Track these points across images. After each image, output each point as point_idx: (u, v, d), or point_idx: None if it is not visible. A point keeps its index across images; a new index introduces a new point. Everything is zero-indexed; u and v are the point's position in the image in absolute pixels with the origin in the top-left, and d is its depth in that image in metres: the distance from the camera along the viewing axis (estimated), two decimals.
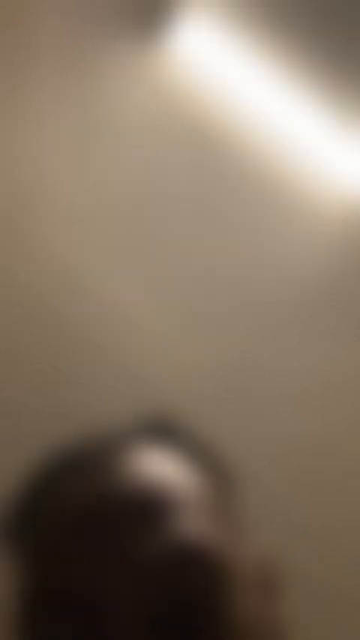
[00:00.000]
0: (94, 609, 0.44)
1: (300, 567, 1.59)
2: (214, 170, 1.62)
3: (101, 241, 1.62)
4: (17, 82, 1.55)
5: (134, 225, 1.62)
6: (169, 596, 0.44)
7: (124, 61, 1.57)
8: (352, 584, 1.66)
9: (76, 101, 1.59)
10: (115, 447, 0.52)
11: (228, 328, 1.64)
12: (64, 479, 0.51)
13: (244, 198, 1.63)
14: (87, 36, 1.57)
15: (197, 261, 1.63)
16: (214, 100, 1.60)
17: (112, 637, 0.43)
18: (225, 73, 1.57)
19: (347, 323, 1.67)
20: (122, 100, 1.59)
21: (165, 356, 1.63)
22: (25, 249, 1.60)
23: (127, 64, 1.58)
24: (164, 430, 0.56)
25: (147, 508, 0.47)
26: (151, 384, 1.63)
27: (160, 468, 0.50)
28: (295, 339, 1.65)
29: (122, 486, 0.48)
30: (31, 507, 0.52)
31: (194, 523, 0.47)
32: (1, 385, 1.60)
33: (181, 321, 1.63)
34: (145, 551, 0.45)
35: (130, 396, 1.62)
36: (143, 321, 1.62)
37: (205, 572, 0.45)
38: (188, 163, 1.61)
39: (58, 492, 0.51)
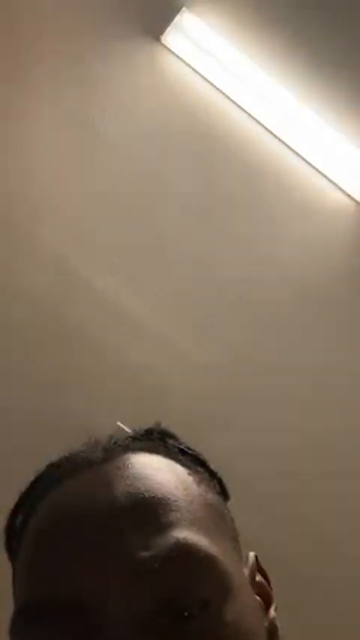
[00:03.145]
0: (92, 612, 0.44)
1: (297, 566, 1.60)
2: (215, 169, 1.62)
3: (101, 242, 1.63)
4: (18, 86, 1.55)
5: (134, 225, 1.63)
6: (165, 597, 0.44)
7: (125, 60, 1.58)
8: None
9: (76, 102, 1.59)
10: (114, 451, 0.52)
11: (228, 328, 1.64)
12: (59, 482, 0.51)
13: (245, 198, 1.63)
14: (87, 37, 1.57)
15: (197, 261, 1.64)
16: (215, 100, 1.60)
17: (110, 637, 0.43)
18: (225, 72, 1.57)
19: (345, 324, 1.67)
20: (122, 100, 1.60)
21: (165, 356, 1.63)
22: (25, 250, 1.60)
23: (128, 63, 1.58)
24: (162, 435, 0.56)
25: (144, 511, 0.47)
26: (151, 384, 1.63)
27: (156, 472, 0.50)
28: (295, 339, 1.66)
29: (120, 490, 0.48)
30: (26, 511, 0.52)
31: (190, 526, 0.47)
32: (1, 385, 1.60)
33: (182, 321, 1.64)
34: (142, 553, 0.45)
35: (130, 396, 1.62)
36: (143, 321, 1.63)
37: (201, 573, 0.46)
38: (189, 163, 1.61)
39: (55, 494, 0.51)
